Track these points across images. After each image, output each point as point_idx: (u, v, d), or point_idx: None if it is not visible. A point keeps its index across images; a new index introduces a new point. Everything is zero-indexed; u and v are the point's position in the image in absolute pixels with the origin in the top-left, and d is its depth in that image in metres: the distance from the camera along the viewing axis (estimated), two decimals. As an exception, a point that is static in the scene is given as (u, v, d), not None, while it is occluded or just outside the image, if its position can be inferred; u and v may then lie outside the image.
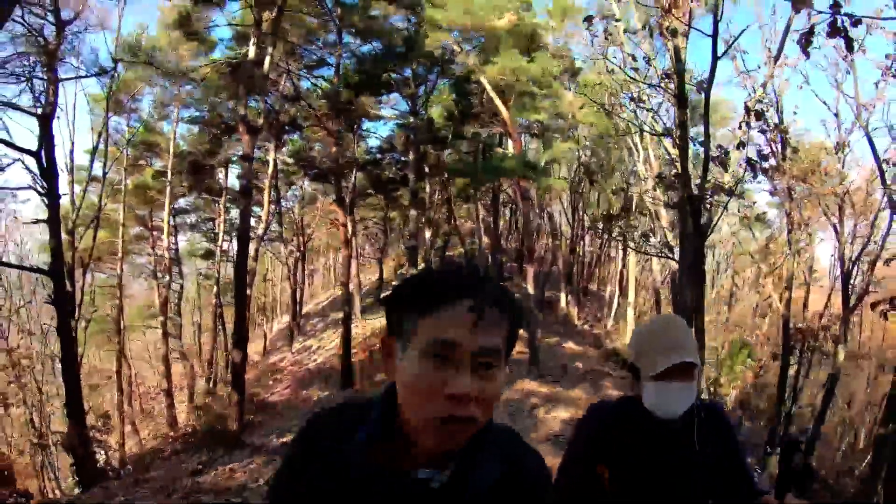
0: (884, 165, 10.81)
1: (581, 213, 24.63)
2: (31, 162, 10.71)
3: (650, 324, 2.02)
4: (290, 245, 24.73)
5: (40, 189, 10.67)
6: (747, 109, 8.54)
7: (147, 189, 19.41)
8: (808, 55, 4.51)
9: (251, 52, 10.40)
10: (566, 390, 12.54)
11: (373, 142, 22.50)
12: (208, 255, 24.70)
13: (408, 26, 15.34)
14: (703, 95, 7.54)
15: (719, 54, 7.44)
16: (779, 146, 12.55)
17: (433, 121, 19.07)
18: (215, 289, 20.67)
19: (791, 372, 13.86)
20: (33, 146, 10.45)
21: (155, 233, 21.54)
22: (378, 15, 14.46)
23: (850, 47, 4.25)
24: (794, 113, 24.27)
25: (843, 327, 12.84)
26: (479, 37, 14.78)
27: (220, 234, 21.47)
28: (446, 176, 20.66)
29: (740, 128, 10.17)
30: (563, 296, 23.28)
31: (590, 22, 8.03)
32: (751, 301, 24.18)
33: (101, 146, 14.95)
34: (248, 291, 14.78)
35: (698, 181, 7.74)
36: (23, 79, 11.94)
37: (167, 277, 18.69)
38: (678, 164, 8.38)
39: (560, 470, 1.97)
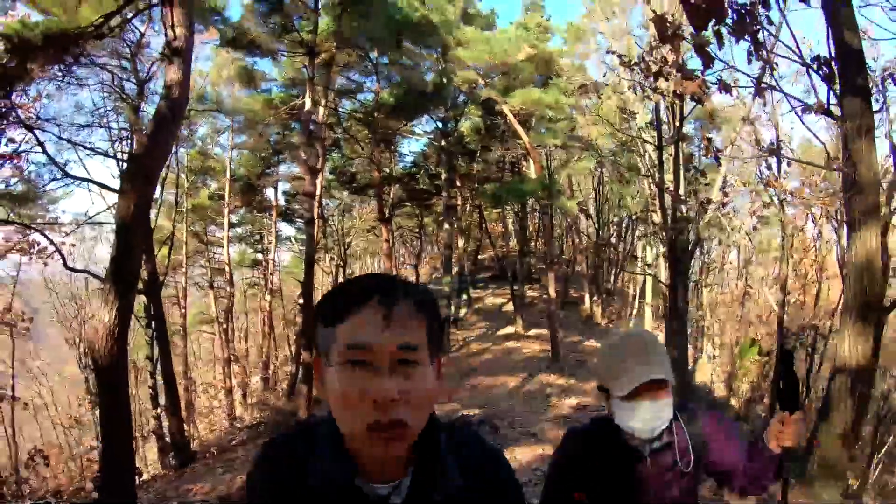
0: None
1: (606, 216, 26.59)
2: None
3: (614, 341, 2.01)
4: (331, 253, 27.15)
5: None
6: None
7: (203, 208, 22.10)
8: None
9: (307, 103, 12.84)
10: (581, 382, 14.68)
11: (407, 155, 24.89)
12: (255, 264, 27.43)
13: (437, 67, 17.60)
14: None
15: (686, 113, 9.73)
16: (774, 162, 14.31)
17: (463, 136, 21.50)
18: (267, 297, 23.37)
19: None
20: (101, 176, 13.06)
21: (209, 246, 24.36)
22: (412, 64, 16.91)
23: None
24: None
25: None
26: (500, 70, 17.00)
27: (273, 246, 24.28)
28: (476, 185, 23.05)
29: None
30: (587, 296, 25.20)
31: (584, 89, 10.27)
32: (766, 299, 25.66)
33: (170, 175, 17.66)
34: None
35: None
36: (111, 127, 14.74)
37: (228, 288, 21.30)
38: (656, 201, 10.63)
39: (543, 495, 2.06)
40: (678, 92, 5.50)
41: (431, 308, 1.06)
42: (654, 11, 5.58)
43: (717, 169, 11.75)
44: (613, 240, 28.19)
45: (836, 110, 4.49)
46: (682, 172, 10.09)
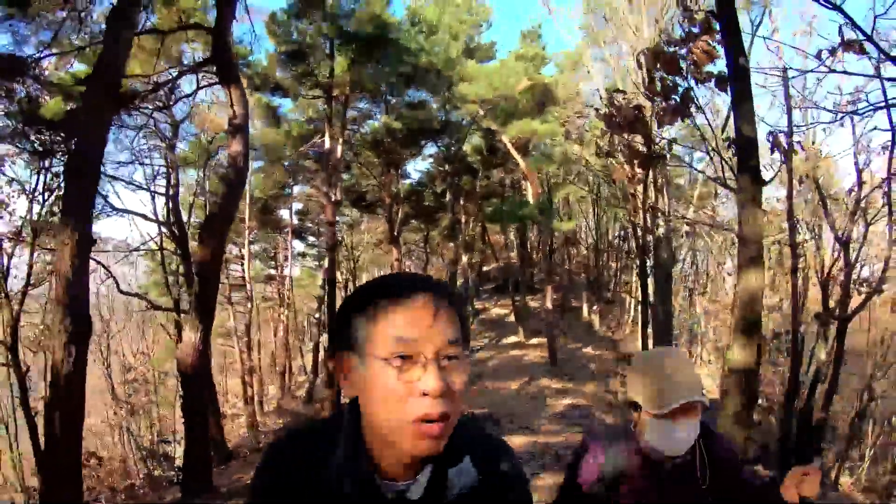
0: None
1: (605, 227, 28.38)
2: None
3: (651, 359, 2.00)
4: (340, 267, 28.99)
5: (173, 251, 15.24)
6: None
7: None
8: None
9: (326, 142, 14.73)
10: (577, 386, 16.39)
11: (413, 174, 26.85)
12: (269, 279, 29.32)
13: (442, 102, 19.47)
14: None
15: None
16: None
17: (466, 156, 23.37)
18: (284, 311, 25.26)
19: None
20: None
21: (226, 263, 26.21)
22: (418, 100, 18.82)
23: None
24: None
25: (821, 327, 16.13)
26: (500, 101, 18.82)
27: (290, 262, 26.28)
28: (480, 202, 24.89)
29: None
30: (585, 305, 26.85)
31: (570, 130, 12.08)
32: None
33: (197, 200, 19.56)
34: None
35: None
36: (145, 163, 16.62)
37: (248, 304, 23.10)
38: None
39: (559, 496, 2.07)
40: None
41: (462, 305, 1.09)
42: (606, 100, 7.38)
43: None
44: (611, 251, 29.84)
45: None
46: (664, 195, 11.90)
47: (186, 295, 14.37)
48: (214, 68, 8.93)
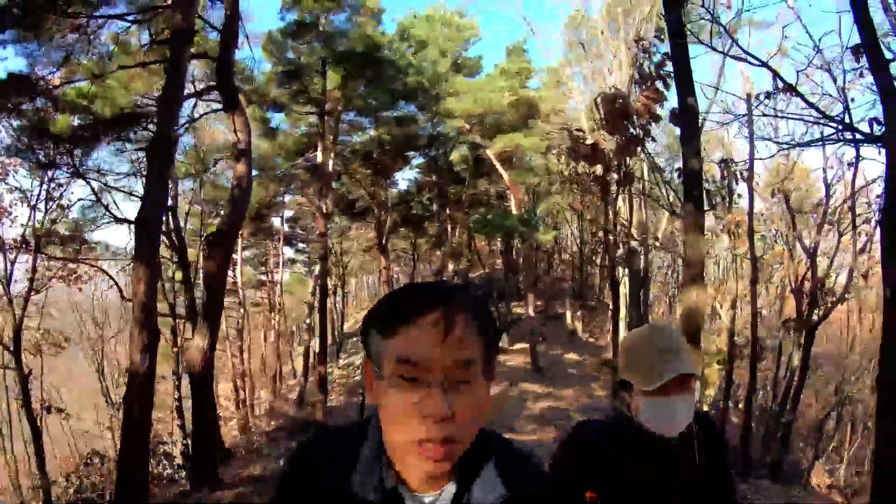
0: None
1: (588, 236, 29.31)
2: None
3: (640, 334, 1.98)
4: (329, 274, 29.95)
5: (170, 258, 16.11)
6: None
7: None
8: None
9: (318, 156, 15.68)
10: (558, 390, 17.38)
11: (402, 182, 27.82)
12: (259, 284, 30.21)
13: (430, 118, 20.45)
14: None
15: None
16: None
17: (453, 165, 24.37)
18: (276, 316, 26.15)
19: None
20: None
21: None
22: (407, 115, 19.81)
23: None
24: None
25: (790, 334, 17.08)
26: (485, 117, 19.81)
27: (281, 268, 27.15)
28: (466, 210, 25.87)
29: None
30: (568, 311, 27.85)
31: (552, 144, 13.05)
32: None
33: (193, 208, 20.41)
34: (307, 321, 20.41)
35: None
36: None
37: (241, 309, 23.97)
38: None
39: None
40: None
41: (489, 319, 1.06)
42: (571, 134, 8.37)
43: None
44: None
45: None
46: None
47: (184, 300, 15.20)
48: (217, 92, 9.92)
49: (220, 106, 10.21)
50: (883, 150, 5.54)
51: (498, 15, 60.79)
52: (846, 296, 14.32)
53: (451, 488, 1.06)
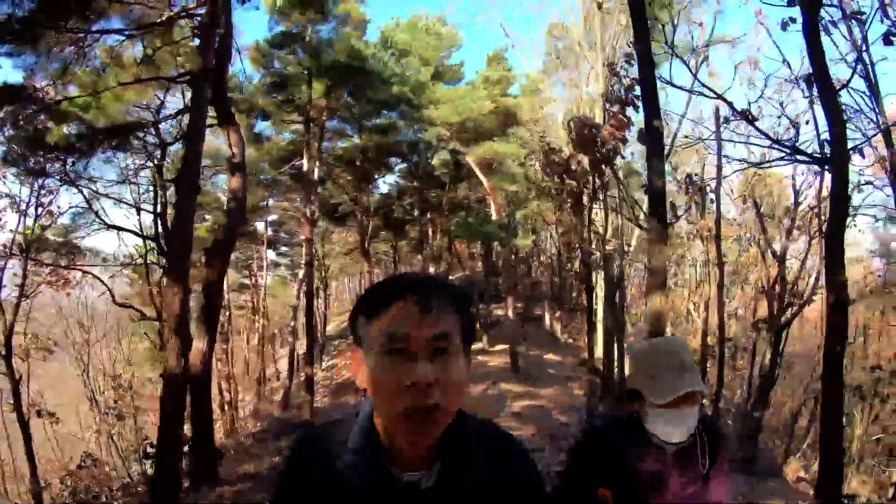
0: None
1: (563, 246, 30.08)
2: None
3: (654, 348, 2.16)
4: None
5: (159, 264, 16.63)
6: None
7: (202, 240, 25.29)
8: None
9: (304, 164, 16.30)
10: (537, 389, 17.98)
11: (384, 185, 28.44)
12: (242, 287, 30.70)
13: (411, 126, 21.14)
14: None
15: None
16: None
17: (434, 170, 25.07)
18: (261, 319, 26.68)
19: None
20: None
21: (203, 273, 27.63)
22: (389, 123, 20.48)
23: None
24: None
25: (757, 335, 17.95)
26: (465, 125, 20.50)
27: (265, 272, 27.69)
28: (447, 214, 26.58)
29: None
30: (547, 313, 28.67)
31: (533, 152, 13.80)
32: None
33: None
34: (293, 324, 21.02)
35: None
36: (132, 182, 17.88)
37: (227, 312, 24.43)
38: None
39: (558, 491, 2.18)
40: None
41: (464, 303, 1.17)
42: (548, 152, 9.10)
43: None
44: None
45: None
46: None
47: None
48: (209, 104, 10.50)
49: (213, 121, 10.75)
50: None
51: (480, 24, 61.63)
52: (813, 297, 14.92)
53: (437, 467, 1.15)
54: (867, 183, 12.12)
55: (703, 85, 6.99)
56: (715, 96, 6.90)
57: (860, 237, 19.36)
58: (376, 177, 24.04)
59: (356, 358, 1.18)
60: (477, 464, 1.17)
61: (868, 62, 8.59)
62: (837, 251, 6.27)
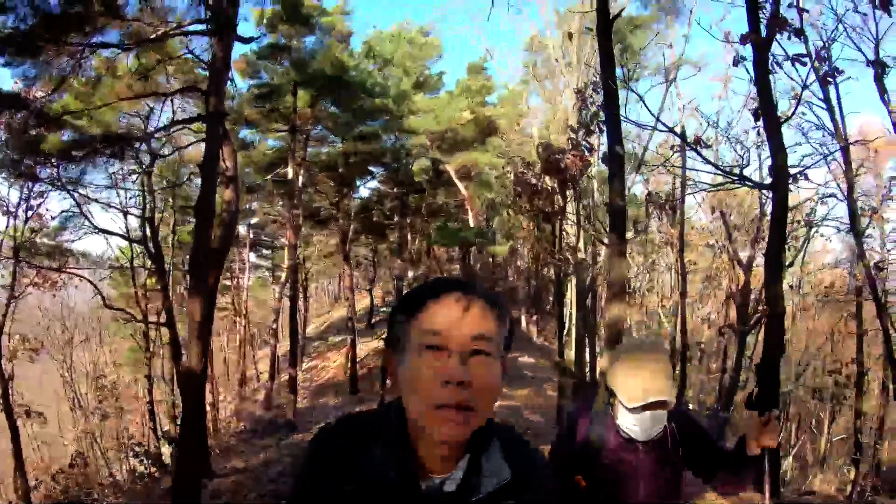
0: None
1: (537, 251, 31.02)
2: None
3: (629, 354, 2.31)
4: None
5: (150, 268, 17.31)
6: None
7: (186, 244, 25.91)
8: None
9: (289, 172, 17.10)
10: (512, 390, 18.70)
11: (363, 190, 29.09)
12: (224, 289, 31.30)
13: (392, 135, 21.98)
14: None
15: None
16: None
17: (413, 175, 25.84)
18: (243, 321, 27.35)
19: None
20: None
21: (186, 276, 28.16)
22: (371, 132, 21.27)
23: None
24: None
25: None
26: (445, 134, 21.33)
27: (247, 274, 28.35)
28: (426, 219, 27.35)
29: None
30: (523, 317, 29.53)
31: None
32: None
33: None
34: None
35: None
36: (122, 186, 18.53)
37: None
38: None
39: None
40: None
41: (504, 310, 1.19)
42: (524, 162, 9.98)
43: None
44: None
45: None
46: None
47: (164, 308, 16.39)
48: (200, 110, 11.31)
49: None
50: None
51: (461, 34, 62.57)
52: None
53: (460, 469, 1.16)
54: (831, 195, 13.25)
55: (658, 119, 7.83)
56: (667, 130, 7.76)
57: (829, 245, 20.31)
58: (357, 182, 24.77)
59: (391, 362, 1.22)
60: (500, 471, 1.17)
61: (832, 82, 9.50)
62: (776, 268, 7.09)
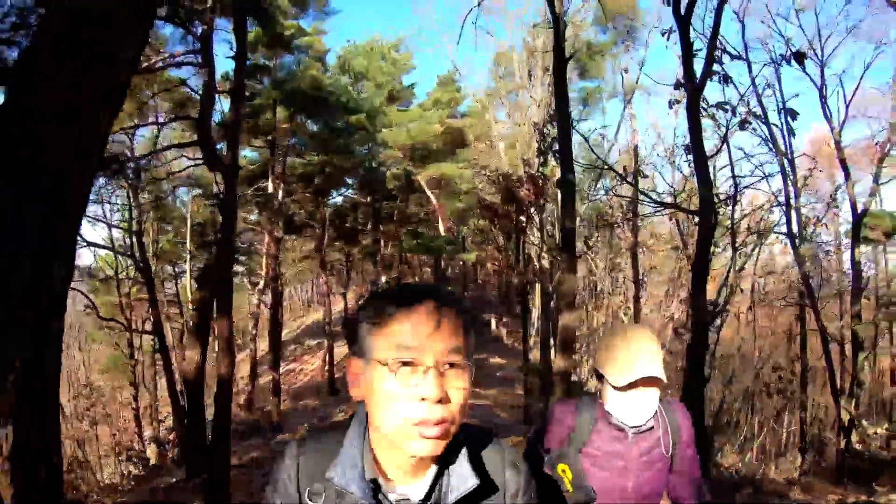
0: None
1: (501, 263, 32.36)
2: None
3: (617, 334, 2.21)
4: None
5: (140, 279, 18.44)
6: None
7: (166, 252, 26.87)
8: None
9: (269, 187, 18.32)
10: (483, 390, 19.90)
11: (337, 197, 30.08)
12: (202, 296, 32.21)
13: (366, 148, 23.26)
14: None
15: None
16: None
17: (386, 183, 27.07)
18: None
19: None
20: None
21: (164, 284, 29.00)
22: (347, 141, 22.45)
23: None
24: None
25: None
26: (417, 146, 22.64)
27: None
28: (399, 225, 28.54)
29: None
30: (493, 319, 30.79)
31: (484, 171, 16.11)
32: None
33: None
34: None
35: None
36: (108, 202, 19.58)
37: (190, 322, 26.02)
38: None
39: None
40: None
41: (469, 316, 1.17)
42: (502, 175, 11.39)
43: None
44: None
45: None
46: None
47: (151, 317, 17.51)
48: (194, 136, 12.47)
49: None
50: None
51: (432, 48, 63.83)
52: (727, 307, 17.25)
53: (428, 477, 1.18)
54: (778, 204, 14.74)
55: (601, 159, 9.23)
56: (607, 168, 9.16)
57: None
58: (332, 192, 25.93)
59: (354, 367, 1.19)
60: (466, 479, 1.17)
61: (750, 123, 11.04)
62: (701, 281, 8.30)
